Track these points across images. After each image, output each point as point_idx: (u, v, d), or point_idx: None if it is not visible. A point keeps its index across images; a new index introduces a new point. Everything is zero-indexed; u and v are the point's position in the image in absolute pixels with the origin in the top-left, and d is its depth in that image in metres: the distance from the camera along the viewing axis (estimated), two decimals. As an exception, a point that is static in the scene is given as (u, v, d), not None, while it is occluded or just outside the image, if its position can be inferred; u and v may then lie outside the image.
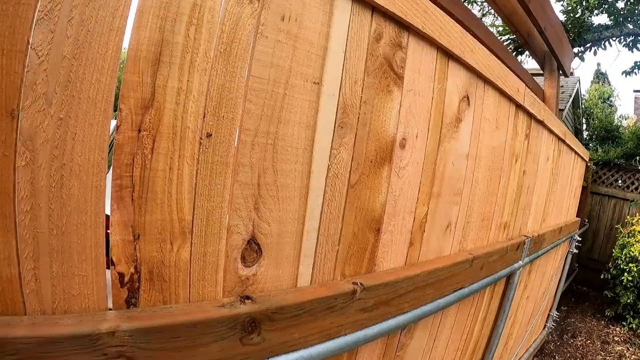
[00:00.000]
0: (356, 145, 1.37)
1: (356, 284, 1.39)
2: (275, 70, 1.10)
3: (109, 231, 0.99)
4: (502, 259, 2.53)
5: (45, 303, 0.98)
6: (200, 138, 1.02)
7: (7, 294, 0.94)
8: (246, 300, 1.13)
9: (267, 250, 1.21)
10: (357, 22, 1.29)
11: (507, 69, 2.21)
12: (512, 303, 3.12)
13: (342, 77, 1.27)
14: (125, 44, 0.97)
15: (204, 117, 1.01)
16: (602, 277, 8.10)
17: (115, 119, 0.99)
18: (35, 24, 0.89)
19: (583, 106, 14.83)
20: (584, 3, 10.46)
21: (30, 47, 0.90)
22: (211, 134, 1.03)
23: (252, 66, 1.06)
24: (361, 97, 1.34)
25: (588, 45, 11.06)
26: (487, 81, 2.02)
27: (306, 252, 1.32)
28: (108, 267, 0.99)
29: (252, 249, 1.16)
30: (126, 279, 0.99)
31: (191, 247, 1.06)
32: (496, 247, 2.41)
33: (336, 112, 1.28)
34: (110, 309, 1.01)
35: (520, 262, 2.95)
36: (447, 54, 1.70)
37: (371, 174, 1.45)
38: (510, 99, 2.32)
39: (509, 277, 2.88)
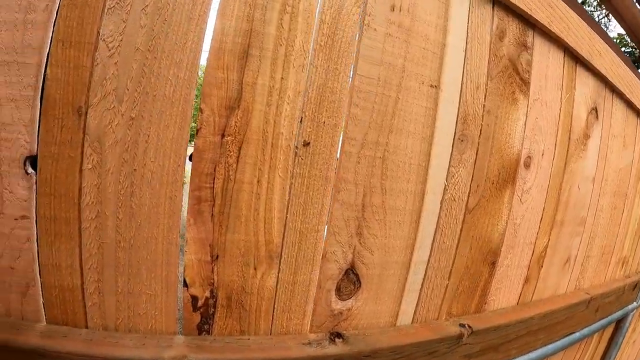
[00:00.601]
0: (477, 163, 1.10)
1: (464, 326, 1.15)
2: (385, 69, 0.89)
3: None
4: (618, 300, 2.10)
5: (108, 319, 0.83)
6: (296, 147, 0.81)
7: (67, 304, 0.80)
8: (337, 339, 0.93)
9: (367, 282, 0.99)
10: (478, 15, 1.03)
11: (637, 79, 1.80)
12: (619, 350, 2.63)
13: (462, 81, 1.02)
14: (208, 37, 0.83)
15: (300, 121, 0.80)
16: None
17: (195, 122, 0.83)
18: (106, 13, 0.73)
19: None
20: None
21: (100, 39, 0.73)
22: (309, 143, 0.81)
23: (358, 63, 0.86)
24: (484, 105, 1.08)
25: None
26: (615, 91, 1.65)
27: (411, 287, 1.08)
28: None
29: (350, 280, 0.96)
30: (200, 302, 0.84)
31: (278, 273, 0.86)
32: (613, 287, 2.01)
33: (456, 123, 1.03)
34: (179, 334, 0.86)
35: (635, 304, 2.45)
36: (575, 58, 1.39)
37: (491, 198, 1.19)
38: (638, 113, 1.91)
39: (620, 321, 2.39)
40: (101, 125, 0.77)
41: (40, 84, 0.79)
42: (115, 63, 0.77)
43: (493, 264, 1.27)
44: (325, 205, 0.87)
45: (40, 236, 0.78)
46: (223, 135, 0.78)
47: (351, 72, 0.85)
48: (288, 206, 0.84)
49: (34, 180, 0.80)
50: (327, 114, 0.84)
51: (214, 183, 0.79)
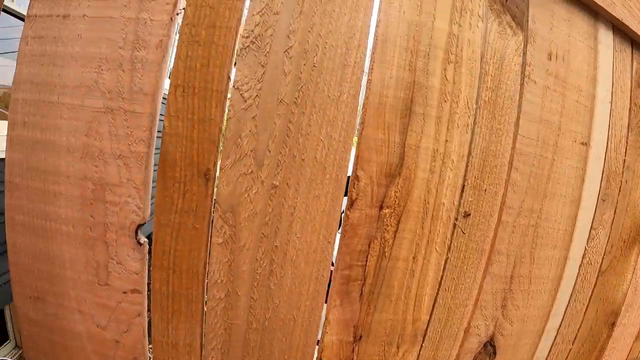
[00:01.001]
0: (614, 223, 1.01)
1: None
2: (544, 128, 0.75)
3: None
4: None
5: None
6: (456, 218, 0.67)
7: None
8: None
9: (502, 353, 0.90)
10: (620, 60, 0.89)
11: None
12: None
13: (608, 135, 0.89)
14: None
15: (462, 190, 0.66)
16: None
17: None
18: (238, 54, 0.52)
19: None
20: None
21: (233, 86, 0.52)
22: (469, 213, 0.68)
23: (519, 121, 0.70)
24: (624, 160, 0.97)
25: None
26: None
27: (539, 354, 1.00)
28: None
29: (487, 352, 0.87)
30: (337, 382, 0.63)
31: (420, 350, 0.75)
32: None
33: (600, 181, 0.92)
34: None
35: None
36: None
37: (621, 258, 1.09)
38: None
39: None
40: (236, 193, 0.55)
41: (155, 139, 0.55)
42: (254, 117, 0.52)
43: (612, 324, 1.18)
44: (477, 279, 0.74)
45: (153, 312, 0.62)
46: (381, 208, 0.59)
47: (512, 132, 0.68)
48: (441, 282, 0.69)
49: (147, 251, 0.59)
50: (489, 180, 0.67)
51: (366, 261, 0.62)
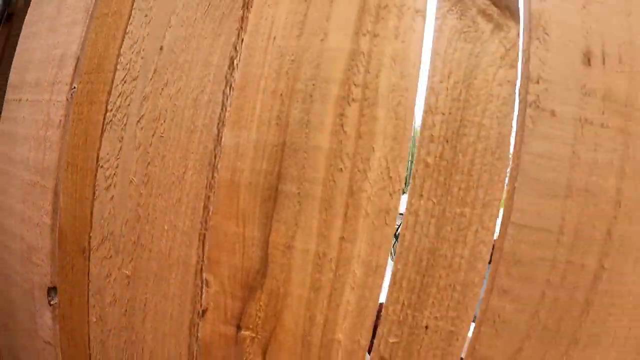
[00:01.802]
0: None
1: None
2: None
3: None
4: None
5: None
6: None
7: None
8: None
9: None
10: None
11: None
12: None
13: None
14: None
15: (378, 320, 0.42)
16: None
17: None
18: (105, 129, 0.48)
19: None
20: None
21: (99, 164, 0.47)
22: None
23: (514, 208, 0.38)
24: None
25: None
26: None
27: None
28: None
29: None
30: None
31: None
32: None
33: None
34: None
35: None
36: None
37: None
38: None
39: None
40: (101, 276, 0.49)
41: (58, 212, 0.64)
42: (111, 198, 0.46)
43: None
44: None
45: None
46: (239, 327, 0.42)
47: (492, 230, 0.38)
48: None
49: (57, 313, 0.59)
50: (433, 311, 0.38)
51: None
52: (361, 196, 0.38)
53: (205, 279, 0.41)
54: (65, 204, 0.50)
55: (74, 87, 0.52)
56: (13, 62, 0.67)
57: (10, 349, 0.72)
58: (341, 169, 0.38)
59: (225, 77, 0.41)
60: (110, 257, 0.46)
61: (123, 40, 0.51)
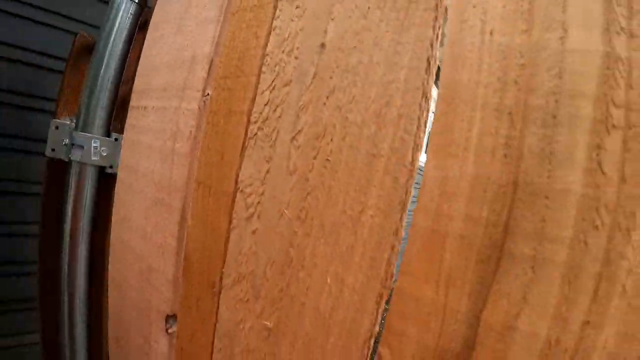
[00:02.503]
0: None
1: None
2: None
3: None
4: None
5: None
6: None
7: None
8: None
9: None
10: None
11: None
12: None
13: None
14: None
15: None
16: None
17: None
18: (247, 146, 0.37)
19: None
20: None
21: (239, 188, 0.37)
22: None
23: None
24: None
25: None
26: None
27: None
28: None
29: None
30: None
31: None
32: None
33: None
34: None
35: None
36: None
37: None
38: None
39: None
40: (232, 320, 0.39)
41: (184, 237, 0.45)
42: (254, 232, 0.36)
43: None
44: None
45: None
46: None
47: None
48: None
49: (174, 343, 0.50)
50: None
51: None
52: (620, 266, 0.23)
53: (379, 353, 0.28)
54: (194, 229, 0.40)
55: (207, 94, 0.42)
56: (138, 68, 0.60)
57: None
58: (597, 226, 0.23)
59: (423, 84, 0.27)
60: (247, 300, 0.35)
61: (269, 38, 0.39)
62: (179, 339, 0.48)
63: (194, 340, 0.46)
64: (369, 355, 0.31)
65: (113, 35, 0.69)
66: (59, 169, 0.80)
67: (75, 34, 1.27)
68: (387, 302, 0.31)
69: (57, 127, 0.81)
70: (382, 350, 0.30)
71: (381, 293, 0.30)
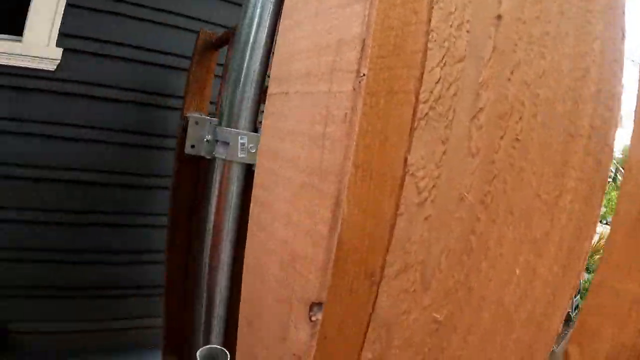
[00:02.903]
0: None
1: None
2: None
3: None
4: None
5: None
6: None
7: None
8: None
9: None
10: None
11: None
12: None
13: None
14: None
15: None
16: None
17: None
18: (416, 127, 0.39)
19: None
20: None
21: (408, 172, 0.39)
22: None
23: None
24: None
25: None
26: None
27: None
28: None
29: None
30: None
31: None
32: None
33: None
34: None
35: None
36: None
37: None
38: None
39: None
40: (393, 311, 0.43)
41: (339, 223, 0.49)
42: (427, 218, 0.39)
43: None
44: None
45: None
46: None
47: None
48: None
49: (317, 330, 0.54)
50: None
51: None
52: None
53: (567, 352, 0.28)
54: (351, 215, 0.44)
55: (363, 75, 0.46)
56: (274, 56, 0.68)
57: (250, 346, 0.76)
58: None
59: (619, 56, 0.26)
60: (414, 291, 0.38)
61: (431, 12, 0.41)
62: (323, 327, 0.54)
63: (343, 329, 0.51)
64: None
65: (255, 25, 0.76)
66: (191, 164, 0.93)
67: (197, 32, 1.46)
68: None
69: (197, 123, 0.90)
70: (571, 348, 0.30)
71: (575, 286, 0.30)
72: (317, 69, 0.56)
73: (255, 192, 0.69)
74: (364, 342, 0.48)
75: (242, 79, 0.81)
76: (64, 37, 2.12)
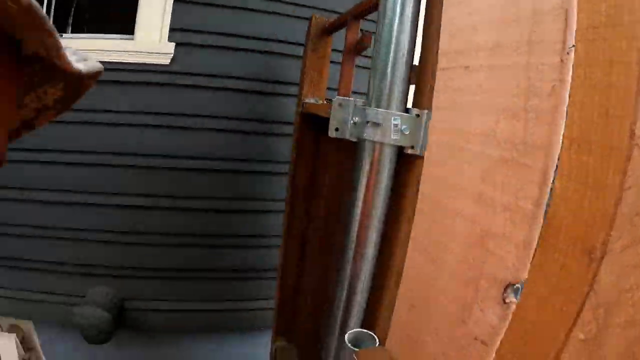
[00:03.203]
0: None
1: None
2: None
3: None
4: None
5: None
6: None
7: None
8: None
9: None
10: None
11: None
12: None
13: None
14: None
15: None
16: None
17: None
18: None
19: None
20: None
21: (636, 144, 0.43)
22: None
23: None
24: None
25: None
26: None
27: None
28: None
29: None
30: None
31: None
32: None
33: None
34: None
35: None
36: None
37: None
38: None
39: None
40: (617, 287, 0.46)
41: (546, 198, 0.54)
42: None
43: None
44: None
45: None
46: None
47: None
48: None
49: (510, 312, 0.59)
50: None
51: None
52: None
53: None
54: (565, 190, 0.47)
55: (572, 46, 0.48)
56: (442, 28, 0.72)
57: (413, 330, 0.81)
58: None
59: None
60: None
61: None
62: (520, 309, 0.57)
63: (545, 310, 0.54)
64: None
65: (399, 1, 0.81)
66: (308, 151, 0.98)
67: (308, 19, 1.56)
68: None
69: (340, 105, 0.98)
70: None
71: None
72: (508, 42, 0.60)
73: (428, 169, 0.74)
74: (574, 322, 0.51)
75: (390, 58, 0.85)
76: (175, 32, 2.39)
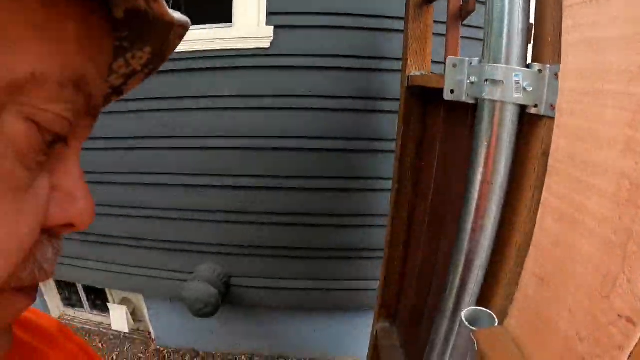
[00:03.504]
0: None
1: None
2: None
3: None
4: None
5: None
6: None
7: None
8: None
9: None
10: None
11: None
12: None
13: None
14: None
15: None
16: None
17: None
18: None
19: None
20: None
21: None
22: None
23: None
24: None
25: None
26: None
27: None
28: None
29: None
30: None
31: None
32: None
33: None
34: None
35: None
36: None
37: None
38: None
39: None
40: None
41: None
42: None
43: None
44: None
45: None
46: None
47: None
48: None
49: None
50: None
51: None
52: None
53: None
54: None
55: None
56: None
57: (544, 307, 0.75)
58: None
59: None
60: None
61: None
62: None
63: None
64: None
65: None
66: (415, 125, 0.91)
67: None
68: None
69: (454, 65, 0.92)
70: None
71: None
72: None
73: (562, 120, 0.67)
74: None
75: (506, 8, 0.78)
76: (272, 15, 2.46)
